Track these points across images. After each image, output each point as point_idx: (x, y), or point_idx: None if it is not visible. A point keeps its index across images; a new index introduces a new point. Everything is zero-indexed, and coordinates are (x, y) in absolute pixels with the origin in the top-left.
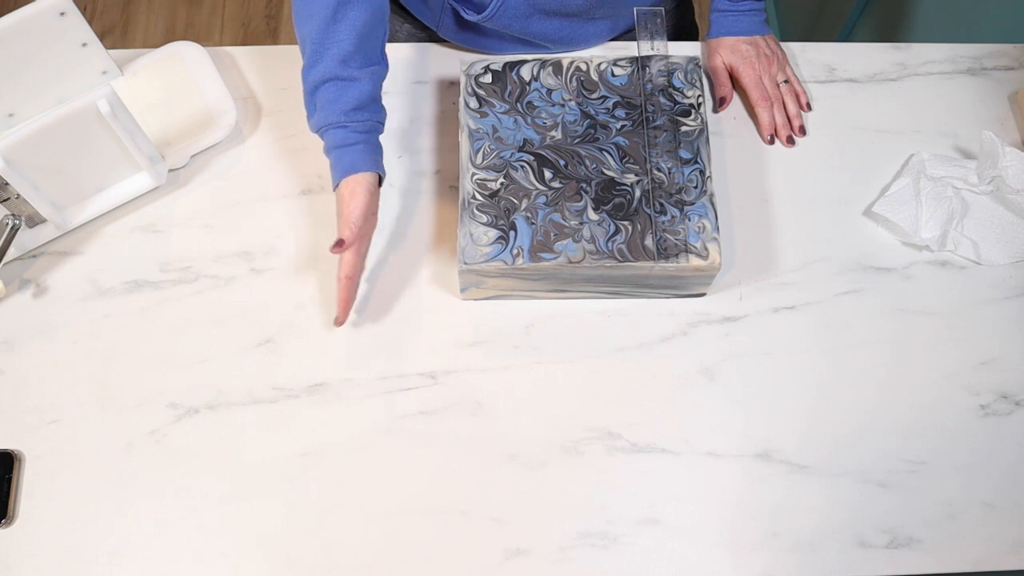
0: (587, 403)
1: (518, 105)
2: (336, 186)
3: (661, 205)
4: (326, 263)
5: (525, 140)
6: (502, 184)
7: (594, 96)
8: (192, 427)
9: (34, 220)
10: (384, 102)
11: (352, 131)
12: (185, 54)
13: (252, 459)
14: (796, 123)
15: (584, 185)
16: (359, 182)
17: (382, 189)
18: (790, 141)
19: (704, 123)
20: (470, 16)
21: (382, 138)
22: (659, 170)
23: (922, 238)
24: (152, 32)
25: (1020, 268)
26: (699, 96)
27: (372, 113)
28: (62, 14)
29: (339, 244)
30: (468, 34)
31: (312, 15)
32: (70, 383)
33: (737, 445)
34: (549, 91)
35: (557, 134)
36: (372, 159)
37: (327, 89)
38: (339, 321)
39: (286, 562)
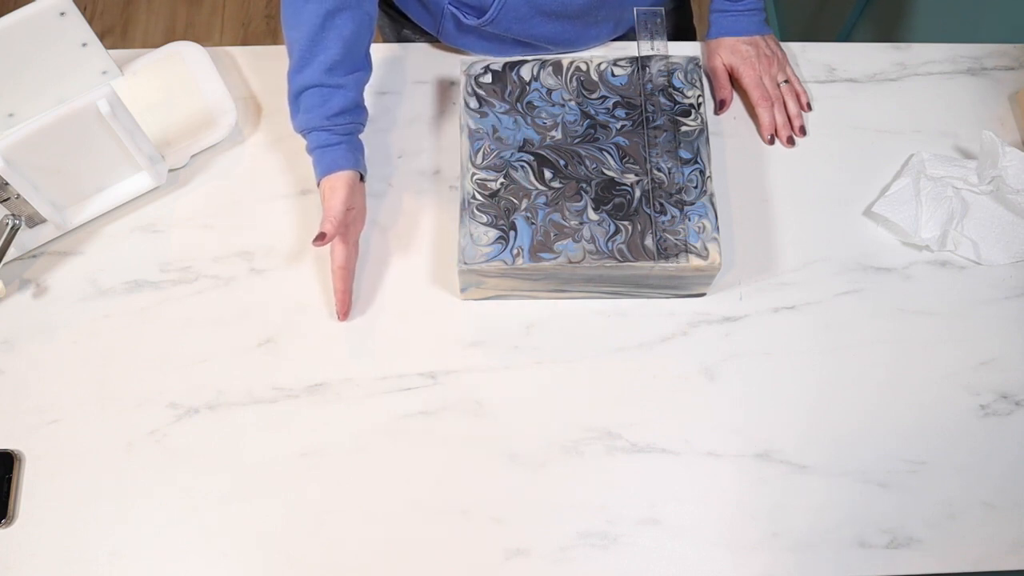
0: (587, 403)
1: (518, 105)
2: (319, 183)
3: (661, 205)
4: (326, 263)
5: (525, 140)
6: (502, 184)
7: (594, 96)
8: (192, 427)
9: (34, 220)
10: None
11: (334, 133)
12: (185, 54)
13: (252, 459)
14: (796, 123)
15: (584, 185)
16: (339, 178)
17: (382, 188)
18: (790, 141)
19: (704, 123)
20: (470, 20)
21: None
22: (659, 170)
23: (922, 238)
24: (152, 32)
25: (1020, 268)
26: (699, 96)
27: (354, 116)
28: (62, 14)
29: (320, 237)
30: (469, 38)
31: (301, 22)
32: (70, 383)
33: (737, 445)
34: (549, 91)
35: (557, 134)
36: (353, 158)
37: (312, 95)
38: (341, 313)
39: (286, 562)
